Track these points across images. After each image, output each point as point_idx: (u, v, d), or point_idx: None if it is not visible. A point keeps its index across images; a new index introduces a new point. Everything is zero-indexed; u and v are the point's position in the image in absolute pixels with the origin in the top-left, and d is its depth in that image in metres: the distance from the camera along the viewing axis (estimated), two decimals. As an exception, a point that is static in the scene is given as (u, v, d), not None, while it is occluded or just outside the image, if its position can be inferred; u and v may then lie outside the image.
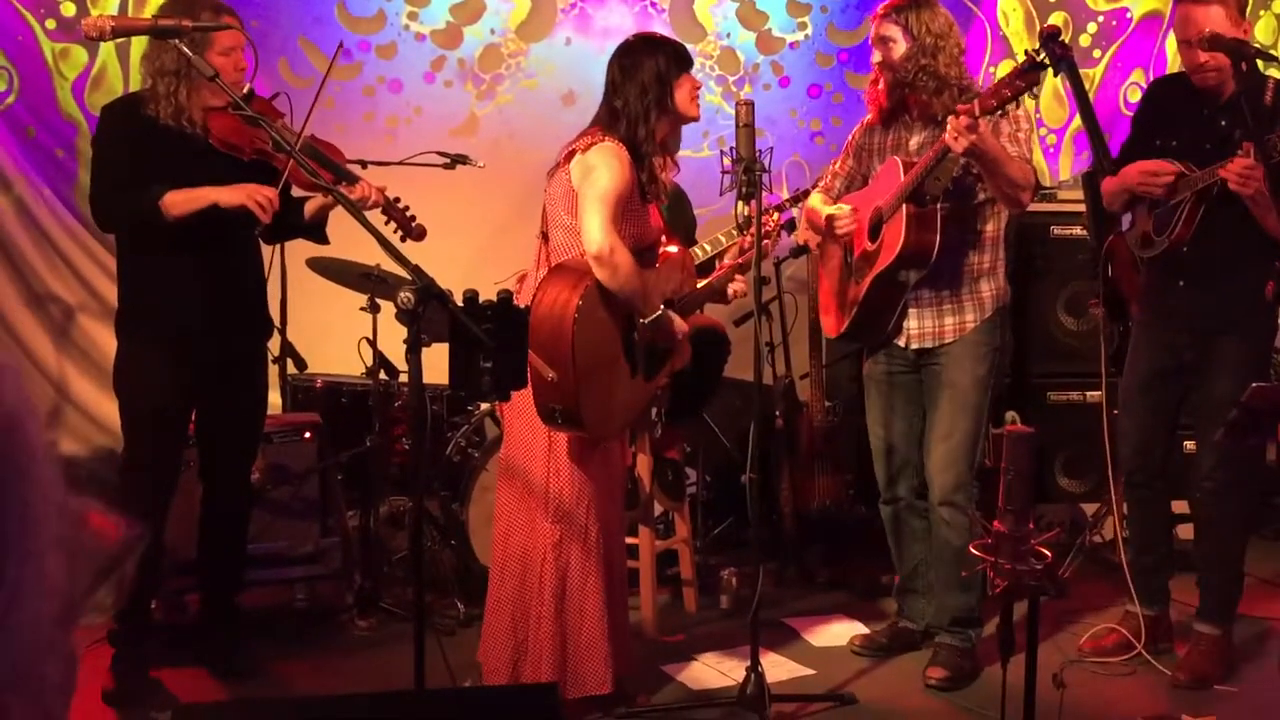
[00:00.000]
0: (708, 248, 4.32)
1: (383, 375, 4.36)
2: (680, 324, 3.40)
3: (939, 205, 3.64)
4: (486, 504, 3.67)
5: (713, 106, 5.57)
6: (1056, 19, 5.84)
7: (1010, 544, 2.59)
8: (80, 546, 0.64)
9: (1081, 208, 4.73)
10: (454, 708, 2.29)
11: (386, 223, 3.63)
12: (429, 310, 2.47)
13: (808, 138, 5.84)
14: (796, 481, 4.86)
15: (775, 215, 4.12)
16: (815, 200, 3.99)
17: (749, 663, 3.40)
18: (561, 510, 3.29)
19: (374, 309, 4.28)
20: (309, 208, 3.64)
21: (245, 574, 3.88)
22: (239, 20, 3.49)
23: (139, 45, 5.05)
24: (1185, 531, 4.36)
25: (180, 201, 3.33)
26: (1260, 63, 3.63)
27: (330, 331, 4.83)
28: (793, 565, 4.82)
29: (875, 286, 3.77)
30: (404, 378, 4.28)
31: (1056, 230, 4.98)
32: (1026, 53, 3.50)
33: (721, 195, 3.65)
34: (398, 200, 3.70)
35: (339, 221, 3.72)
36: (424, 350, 2.52)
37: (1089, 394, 4.86)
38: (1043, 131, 5.97)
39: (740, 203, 3.34)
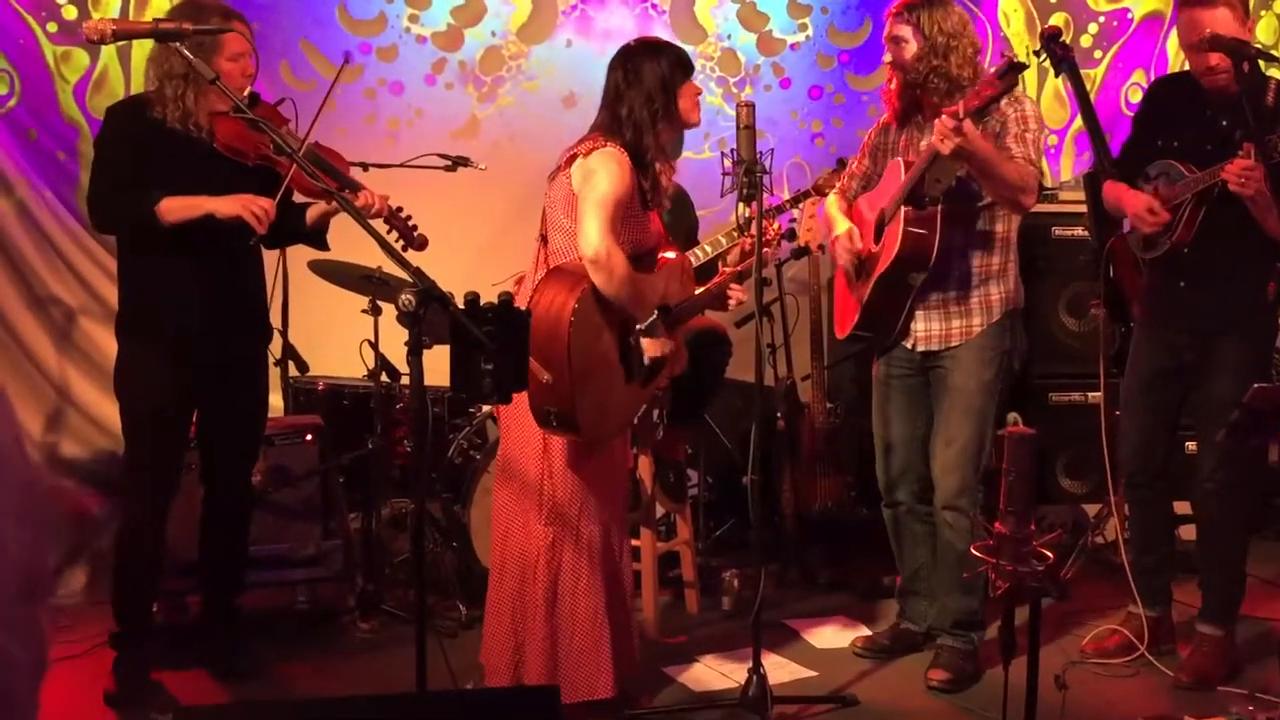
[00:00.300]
0: (709, 249, 4.32)
1: (384, 377, 4.36)
2: (664, 346, 3.35)
3: (939, 207, 3.63)
4: (488, 506, 3.67)
5: (714, 108, 5.57)
6: (1057, 19, 5.84)
7: (1012, 545, 2.58)
8: (48, 522, 0.63)
9: (1083, 208, 4.74)
10: (455, 710, 2.29)
11: (389, 232, 3.64)
12: (430, 312, 2.47)
13: (808, 139, 5.84)
14: (798, 483, 4.86)
15: (775, 224, 4.12)
16: (831, 206, 3.99)
17: (751, 664, 3.40)
18: (556, 512, 3.29)
19: (375, 311, 4.28)
20: (310, 214, 3.65)
21: (246, 576, 3.88)
22: (248, 26, 3.49)
23: (141, 48, 5.06)
24: (1188, 532, 4.36)
25: (176, 208, 3.34)
26: (1261, 63, 3.63)
27: (332, 334, 4.83)
28: (794, 567, 4.82)
29: (878, 288, 3.76)
30: (405, 380, 4.29)
31: (1058, 231, 4.98)
32: (1003, 54, 3.50)
33: (722, 197, 3.65)
34: (400, 209, 3.71)
35: (340, 224, 3.72)
36: (425, 352, 2.53)
37: (1090, 395, 4.86)
38: (1044, 132, 5.96)
39: (741, 204, 3.34)
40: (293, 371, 4.82)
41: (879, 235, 3.77)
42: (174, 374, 3.50)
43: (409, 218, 3.74)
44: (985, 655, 3.82)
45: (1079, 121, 5.83)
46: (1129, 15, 6.08)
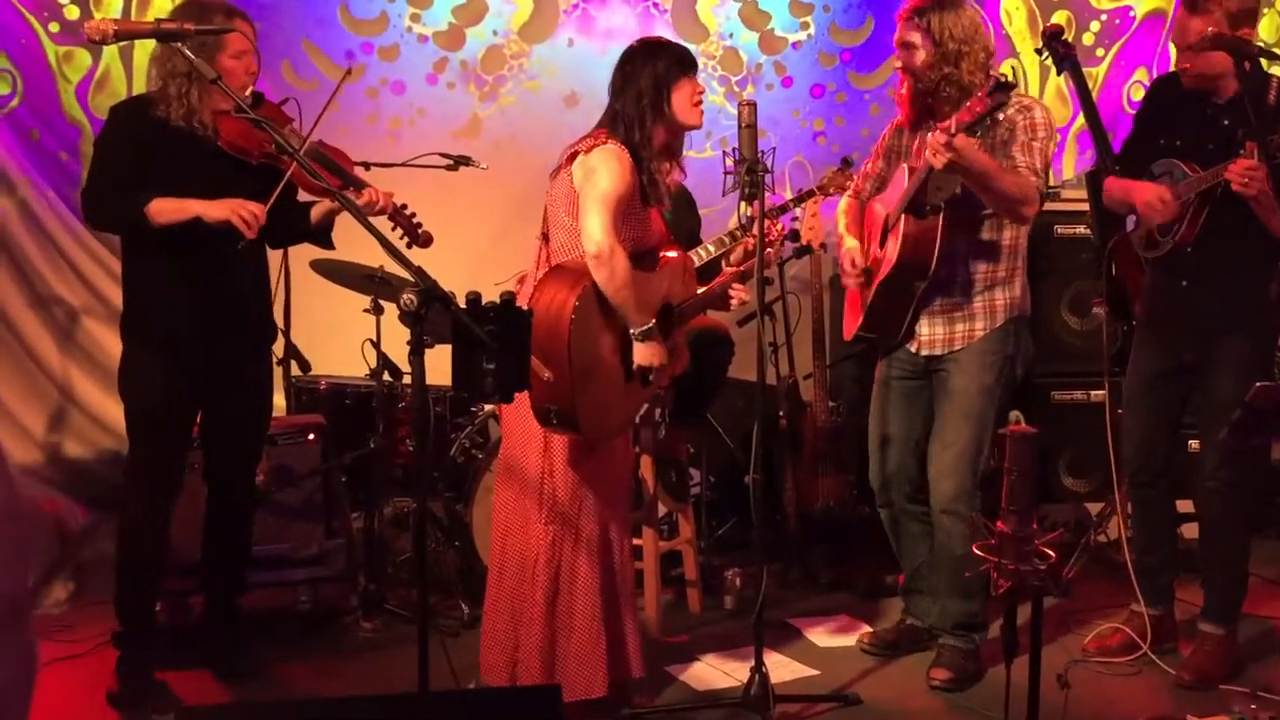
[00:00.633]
0: (711, 249, 4.32)
1: (386, 377, 4.36)
2: (657, 355, 3.31)
3: (940, 215, 3.62)
4: (490, 505, 3.67)
5: (715, 107, 5.57)
6: (1059, 18, 5.84)
7: (1014, 544, 2.58)
8: (26, 543, 0.62)
9: (1085, 207, 4.74)
10: (457, 710, 2.30)
11: (393, 229, 3.64)
12: (432, 312, 2.47)
13: (810, 138, 5.84)
14: (800, 482, 4.86)
15: (779, 225, 4.12)
16: (841, 211, 3.99)
17: (753, 663, 3.40)
18: (556, 511, 3.29)
19: (377, 311, 4.28)
20: (315, 212, 3.65)
21: (249, 576, 3.88)
22: (251, 24, 3.50)
23: (143, 48, 5.07)
24: (1190, 531, 4.36)
25: (166, 210, 3.34)
26: (1264, 62, 3.63)
27: (334, 333, 4.84)
28: (797, 566, 4.82)
29: (880, 293, 3.76)
30: (407, 379, 4.31)
31: (1060, 230, 4.98)
32: (992, 75, 3.48)
33: (724, 196, 3.64)
34: (404, 207, 3.71)
35: (343, 224, 3.72)
36: (427, 352, 2.53)
37: (1093, 394, 4.86)
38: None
39: (743, 203, 3.34)
40: (295, 371, 4.83)
41: (884, 240, 3.77)
42: (176, 375, 3.50)
43: (413, 215, 3.74)
44: (987, 654, 3.82)
45: (1081, 120, 5.83)
46: (1131, 13, 6.09)
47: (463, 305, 2.49)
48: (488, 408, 4.60)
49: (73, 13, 5.07)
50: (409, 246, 3.63)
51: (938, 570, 3.86)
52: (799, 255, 4.76)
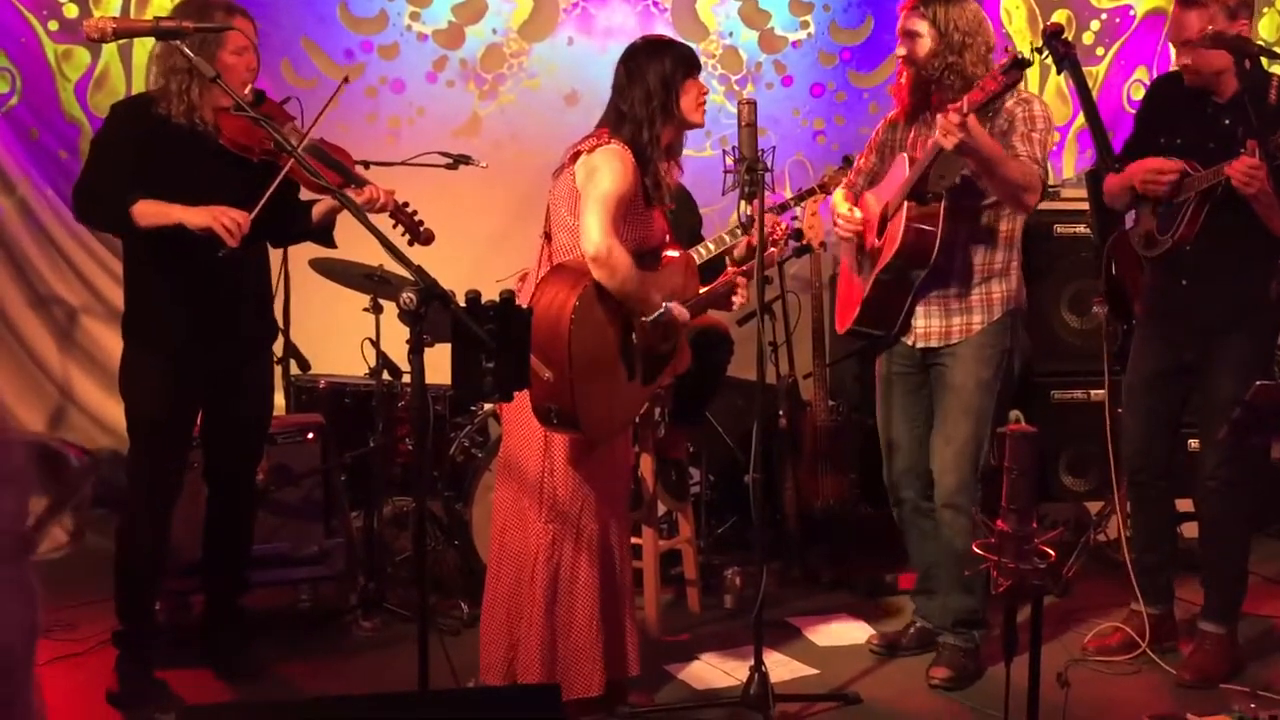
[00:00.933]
0: (711, 247, 4.32)
1: (386, 376, 4.36)
2: (682, 312, 3.35)
3: (942, 202, 3.62)
4: (490, 504, 3.67)
5: (715, 106, 5.56)
6: (1059, 16, 5.84)
7: (1013, 543, 2.58)
8: (26, 481, 0.63)
9: (1085, 206, 4.73)
10: (457, 709, 2.30)
11: (394, 227, 3.63)
12: (431, 311, 2.47)
13: (810, 137, 5.84)
14: (800, 481, 4.86)
15: (782, 225, 4.12)
16: (838, 196, 3.99)
17: (753, 662, 3.40)
18: (556, 510, 3.29)
19: (377, 310, 4.28)
20: (316, 211, 3.65)
21: (249, 575, 3.88)
22: (252, 21, 3.50)
23: (142, 47, 5.08)
24: (1190, 530, 4.35)
25: (150, 214, 3.33)
26: (1265, 60, 3.62)
27: (333, 332, 4.84)
28: (796, 565, 4.82)
29: (879, 283, 3.75)
30: (407, 378, 4.30)
31: (1060, 228, 4.98)
32: (1007, 49, 3.47)
33: (724, 195, 3.64)
34: (406, 205, 3.70)
35: (343, 223, 3.72)
36: (426, 351, 2.52)
37: (1093, 393, 4.86)
38: (1046, 129, 5.95)
39: (743, 202, 3.34)
40: (294, 370, 4.83)
41: (882, 230, 3.77)
42: (174, 376, 3.49)
43: (415, 213, 3.74)
44: (987, 653, 3.82)
45: (1081, 119, 5.83)
46: (1131, 12, 6.09)
47: (462, 304, 2.48)
48: (487, 407, 4.60)
49: (72, 11, 5.07)
50: (411, 244, 3.63)
51: (940, 565, 3.85)
52: (799, 254, 4.76)
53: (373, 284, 4.15)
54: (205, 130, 3.42)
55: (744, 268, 3.68)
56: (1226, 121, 3.63)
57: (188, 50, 2.89)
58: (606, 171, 3.18)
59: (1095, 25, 6.06)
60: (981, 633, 3.84)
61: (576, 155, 3.27)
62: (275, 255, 4.15)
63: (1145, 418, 3.88)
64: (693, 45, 3.58)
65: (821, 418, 4.84)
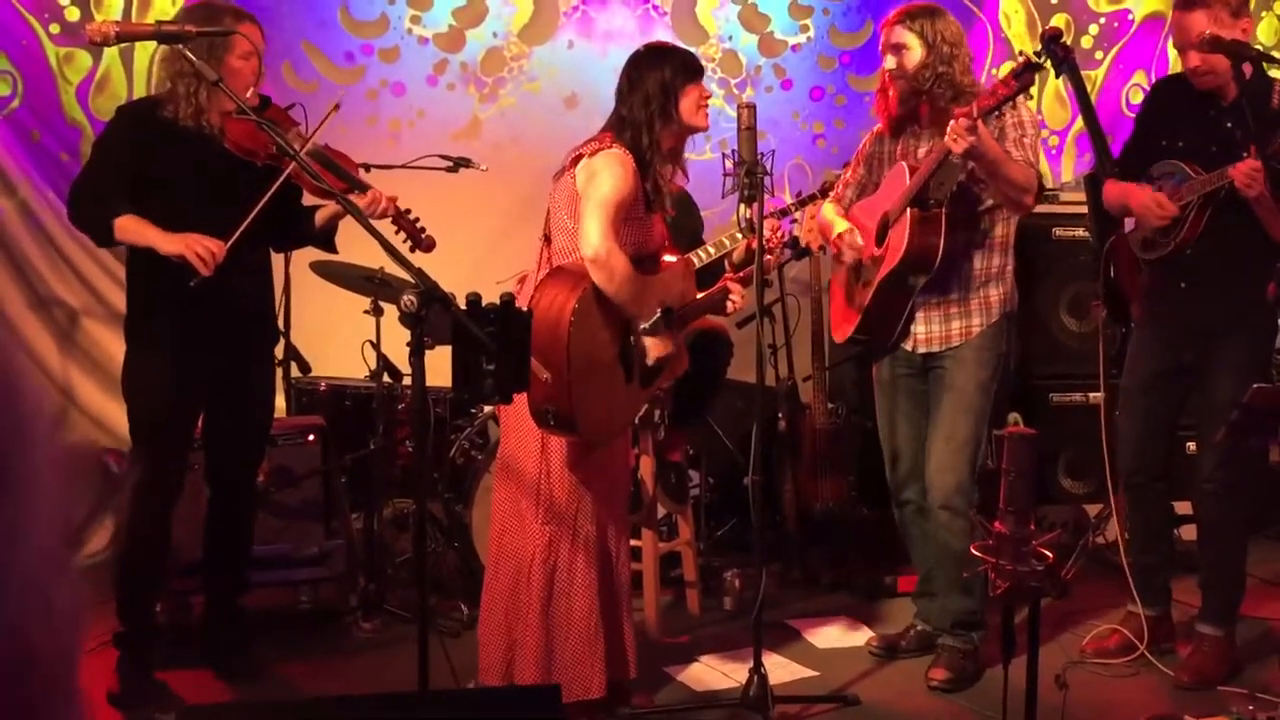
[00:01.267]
0: (711, 250, 4.33)
1: (386, 378, 4.37)
2: (667, 346, 3.34)
3: (943, 210, 3.65)
4: (490, 506, 3.68)
5: (715, 109, 5.53)
6: (1058, 20, 5.85)
7: (1011, 545, 2.59)
8: (78, 470, 0.64)
9: (1084, 209, 4.74)
10: (457, 710, 2.30)
11: (396, 233, 3.64)
12: (432, 313, 2.48)
13: (810, 140, 5.85)
14: (799, 483, 4.87)
15: (779, 232, 4.13)
16: (828, 211, 4.00)
17: (752, 664, 3.41)
18: (553, 511, 3.29)
19: (377, 312, 4.29)
20: (319, 216, 3.66)
21: (249, 576, 3.89)
22: (259, 27, 3.51)
23: (143, 50, 5.09)
24: (1188, 533, 4.36)
25: (129, 229, 3.37)
26: (1265, 65, 3.63)
27: (334, 335, 4.85)
28: (796, 567, 4.83)
29: (881, 290, 3.77)
30: (407, 380, 4.31)
31: (1058, 232, 4.99)
32: (1021, 54, 3.50)
33: (724, 198, 3.65)
34: (408, 212, 3.72)
35: (344, 226, 3.74)
36: (427, 353, 2.53)
37: (1091, 395, 4.86)
38: (1045, 133, 5.97)
39: (742, 205, 3.35)
40: (295, 372, 4.83)
41: (881, 239, 3.78)
42: (175, 378, 3.50)
43: (417, 219, 3.75)
44: (986, 655, 3.83)
45: (1080, 122, 5.84)
46: (1130, 16, 6.10)
47: (462, 307, 2.49)
48: (487, 409, 4.61)
49: (73, 14, 5.08)
50: (412, 250, 3.64)
51: (938, 567, 3.87)
52: (798, 257, 4.77)
53: (373, 287, 4.16)
54: (211, 134, 3.44)
55: (740, 274, 3.69)
56: (1229, 125, 3.64)
57: (190, 54, 2.90)
58: (607, 175, 3.19)
59: (1094, 29, 6.08)
60: (980, 634, 3.85)
61: (578, 159, 3.28)
62: (277, 258, 4.16)
63: (1143, 419, 3.89)
64: (693, 49, 3.59)
65: (821, 420, 4.85)
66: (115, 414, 4.12)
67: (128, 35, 3.05)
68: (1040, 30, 5.61)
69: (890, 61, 3.72)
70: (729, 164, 3.44)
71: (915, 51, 3.67)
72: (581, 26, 5.62)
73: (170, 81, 3.44)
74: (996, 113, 3.45)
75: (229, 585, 3.83)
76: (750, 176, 3.31)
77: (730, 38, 5.76)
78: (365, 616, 4.18)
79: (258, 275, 3.69)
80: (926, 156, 3.63)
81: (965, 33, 3.78)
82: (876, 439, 4.04)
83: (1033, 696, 2.74)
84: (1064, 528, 4.89)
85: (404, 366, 3.95)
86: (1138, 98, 5.99)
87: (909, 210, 3.64)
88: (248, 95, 3.35)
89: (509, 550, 3.35)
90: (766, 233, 3.64)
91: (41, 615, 0.60)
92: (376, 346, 4.32)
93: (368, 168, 4.02)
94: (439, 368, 2.62)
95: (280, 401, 4.68)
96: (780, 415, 4.87)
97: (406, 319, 2.50)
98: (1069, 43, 4.67)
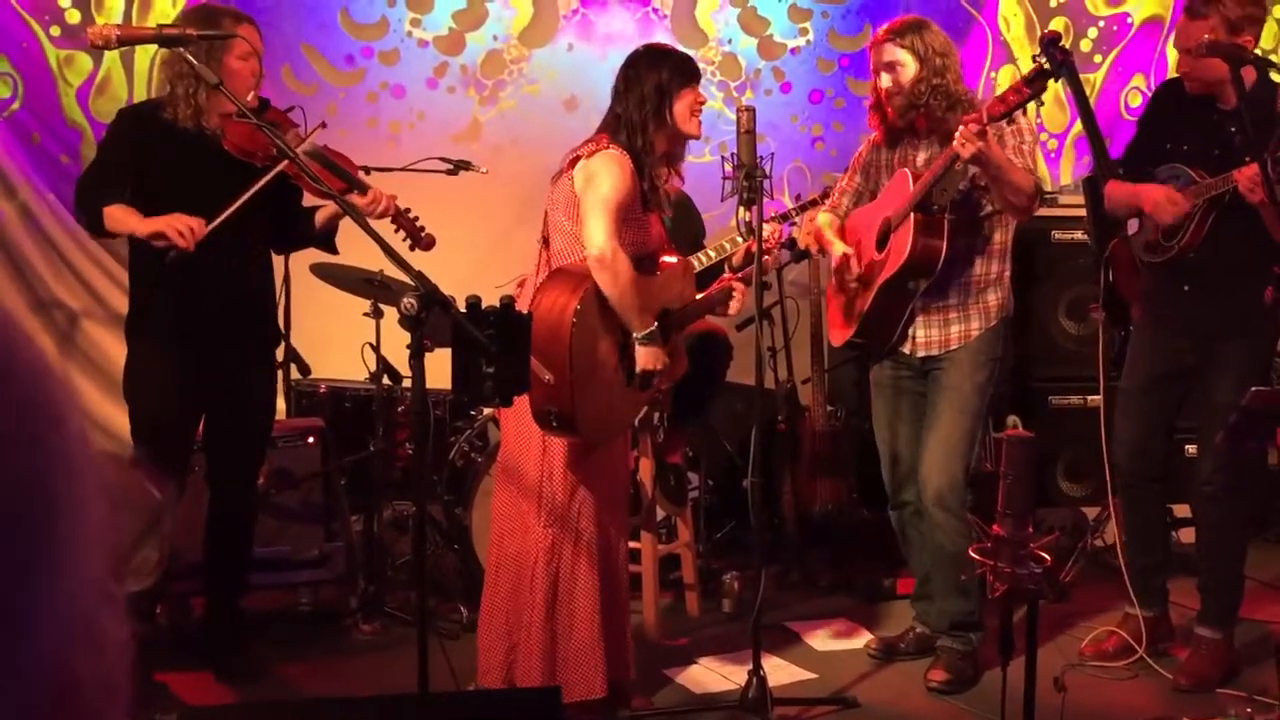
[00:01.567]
0: (712, 254, 4.34)
1: (386, 380, 4.37)
2: (658, 359, 3.33)
3: (946, 215, 3.66)
4: (489, 508, 3.69)
5: (714, 112, 5.59)
6: (1057, 24, 5.86)
7: (1009, 548, 2.60)
8: (122, 497, 0.65)
9: (1082, 212, 4.74)
10: (457, 711, 2.31)
11: (396, 231, 3.65)
12: (432, 316, 2.49)
13: (809, 143, 5.86)
14: (799, 486, 4.87)
15: (777, 232, 4.14)
16: (823, 220, 4.01)
17: (751, 666, 3.41)
18: (555, 514, 3.30)
19: (377, 314, 4.30)
20: (319, 217, 3.67)
21: (249, 578, 3.90)
22: (258, 29, 3.52)
23: (144, 52, 5.10)
24: (1186, 535, 4.37)
25: (116, 217, 3.40)
26: (1273, 73, 3.64)
27: (333, 337, 4.85)
28: (795, 569, 4.83)
29: (882, 295, 3.79)
30: (407, 383, 4.32)
31: (1058, 235, 5.00)
32: (1035, 59, 3.50)
33: (723, 201, 3.67)
34: (408, 210, 3.72)
35: (344, 227, 3.74)
36: (427, 355, 2.54)
37: (1090, 398, 4.87)
38: (1044, 136, 5.98)
39: (741, 208, 3.36)
40: (295, 374, 4.84)
41: (882, 244, 3.79)
42: (176, 379, 3.51)
43: (416, 218, 3.76)
44: (985, 657, 3.83)
45: (1078, 126, 5.85)
46: (1129, 20, 6.10)
47: (462, 309, 2.50)
48: (487, 411, 4.61)
49: (74, 16, 5.09)
50: (412, 249, 3.65)
51: (934, 568, 3.87)
52: (797, 260, 4.77)
53: (373, 289, 4.16)
54: (210, 136, 3.45)
55: (740, 274, 3.70)
56: (1231, 129, 3.65)
57: (191, 57, 2.91)
58: (605, 176, 3.20)
59: (1093, 32, 6.08)
60: (978, 635, 3.85)
61: (575, 161, 3.29)
62: (277, 261, 4.17)
63: (1142, 420, 3.90)
64: (692, 52, 3.60)
65: (820, 422, 4.86)
66: (115, 416, 4.12)
67: (129, 39, 3.06)
68: (1039, 34, 5.62)
69: (886, 80, 3.74)
70: (728, 167, 3.44)
71: (909, 67, 3.69)
72: (581, 29, 5.63)
73: (170, 84, 3.45)
74: (1011, 116, 3.46)
75: (229, 587, 3.83)
76: (749, 179, 3.32)
77: (730, 41, 5.77)
78: (365, 618, 4.18)
79: (259, 277, 3.70)
80: (934, 161, 3.64)
81: (965, 35, 3.80)
82: (875, 441, 4.05)
83: (1031, 699, 2.75)
84: (1062, 530, 4.90)
85: (404, 369, 3.96)
86: (1136, 101, 6.01)
87: (912, 215, 3.66)
88: (248, 98, 3.36)
89: (510, 553, 3.35)
90: (765, 234, 3.65)
91: (86, 646, 0.60)
92: (376, 349, 4.32)
93: (368, 170, 4.03)
94: (439, 370, 2.63)
95: (280, 404, 4.68)
96: (780, 417, 4.88)
97: (406, 321, 2.50)
98: (1068, 46, 4.68)
